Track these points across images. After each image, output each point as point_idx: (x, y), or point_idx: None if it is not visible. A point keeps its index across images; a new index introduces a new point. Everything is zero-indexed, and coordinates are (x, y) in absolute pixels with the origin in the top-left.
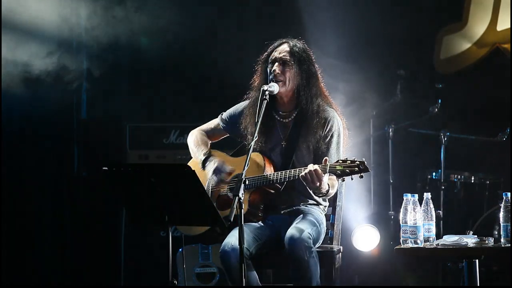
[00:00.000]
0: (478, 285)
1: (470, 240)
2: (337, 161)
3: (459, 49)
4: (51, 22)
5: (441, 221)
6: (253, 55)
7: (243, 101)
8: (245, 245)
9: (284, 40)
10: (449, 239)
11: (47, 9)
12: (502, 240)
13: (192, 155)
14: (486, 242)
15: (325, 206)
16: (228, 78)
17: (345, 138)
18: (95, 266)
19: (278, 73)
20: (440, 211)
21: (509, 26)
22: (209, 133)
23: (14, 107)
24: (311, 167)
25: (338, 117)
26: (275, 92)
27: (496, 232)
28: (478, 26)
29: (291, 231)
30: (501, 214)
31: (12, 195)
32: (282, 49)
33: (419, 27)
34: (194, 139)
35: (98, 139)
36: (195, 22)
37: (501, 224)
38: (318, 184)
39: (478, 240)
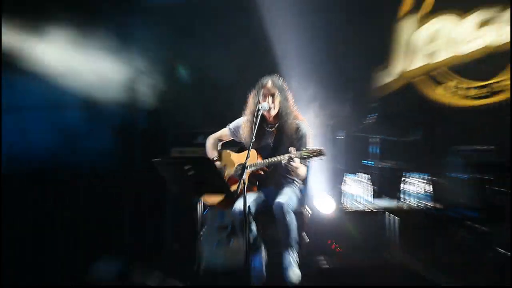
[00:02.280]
0: (398, 235)
1: (390, 203)
2: (303, 150)
3: (384, 81)
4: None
5: (373, 193)
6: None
7: (240, 117)
8: (249, 206)
9: (268, 79)
10: (378, 203)
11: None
12: (411, 203)
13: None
14: (402, 205)
15: (300, 184)
16: (230, 98)
17: (310, 139)
18: (152, 226)
19: (270, 102)
20: (373, 186)
21: (415, 67)
22: (219, 138)
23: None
24: (289, 154)
25: (307, 127)
26: (266, 109)
27: (402, 198)
28: (397, 66)
29: (277, 200)
30: (406, 187)
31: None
32: (270, 86)
33: (361, 65)
34: (208, 145)
35: (154, 141)
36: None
37: (406, 192)
38: (295, 167)
39: (397, 203)
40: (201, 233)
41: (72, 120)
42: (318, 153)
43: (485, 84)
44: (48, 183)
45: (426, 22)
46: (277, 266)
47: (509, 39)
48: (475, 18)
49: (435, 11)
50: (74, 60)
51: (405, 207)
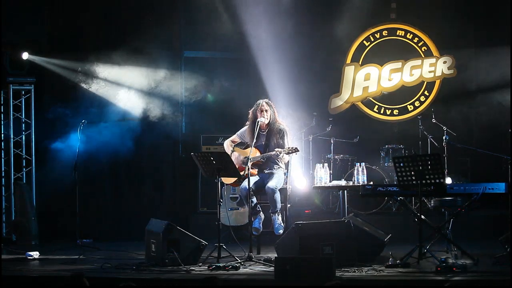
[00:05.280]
0: (346, 207)
1: (342, 182)
2: (286, 148)
3: (337, 104)
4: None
5: (331, 175)
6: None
7: (244, 126)
8: (251, 186)
9: (263, 100)
10: (334, 182)
11: None
12: (354, 182)
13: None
14: (349, 183)
15: (284, 169)
16: (242, 112)
17: (289, 139)
18: (188, 196)
19: (265, 116)
20: (330, 171)
21: (356, 95)
22: (232, 140)
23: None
24: (276, 151)
25: (287, 129)
26: (262, 121)
27: (349, 178)
28: (345, 95)
29: (268, 184)
30: (351, 171)
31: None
32: (264, 105)
33: (323, 93)
34: (226, 146)
35: (190, 142)
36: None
37: (355, 176)
38: (279, 157)
39: (346, 182)
40: (220, 201)
41: (134, 128)
42: (295, 150)
43: (399, 107)
44: (119, 169)
45: (360, 69)
46: (268, 223)
47: (411, 80)
48: (388, 67)
49: (364, 63)
50: (139, 92)
51: (350, 184)
